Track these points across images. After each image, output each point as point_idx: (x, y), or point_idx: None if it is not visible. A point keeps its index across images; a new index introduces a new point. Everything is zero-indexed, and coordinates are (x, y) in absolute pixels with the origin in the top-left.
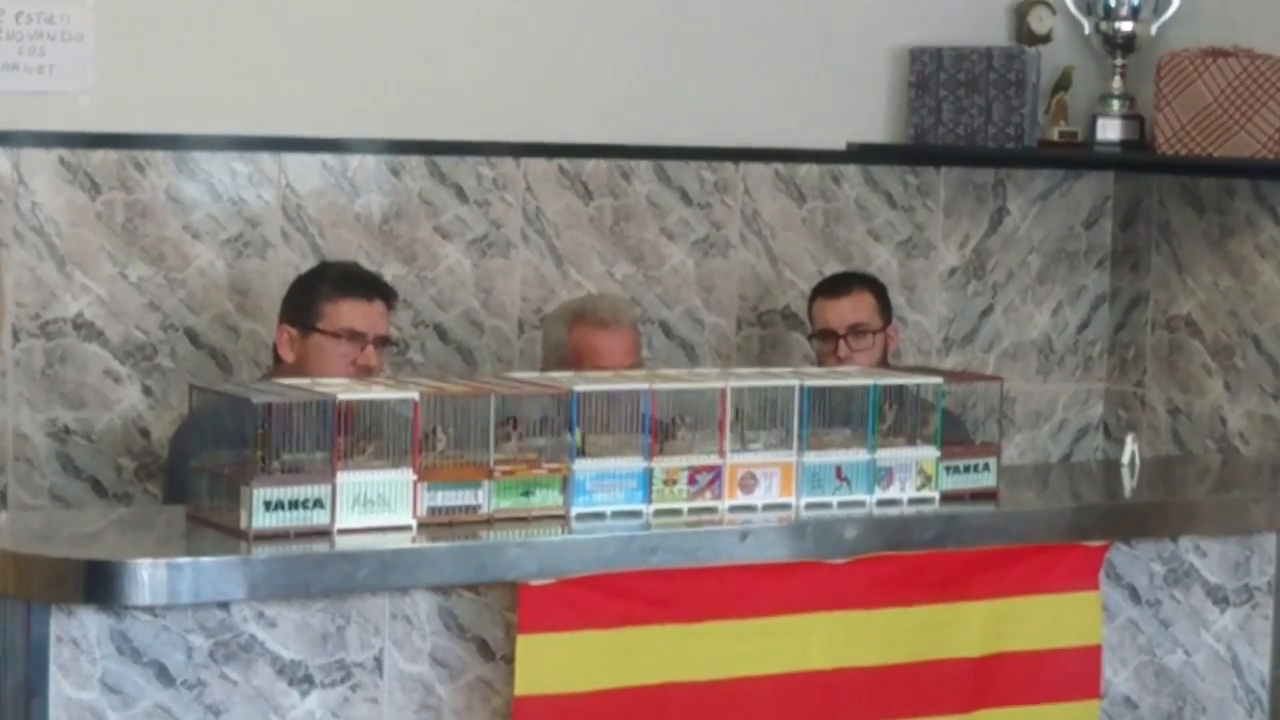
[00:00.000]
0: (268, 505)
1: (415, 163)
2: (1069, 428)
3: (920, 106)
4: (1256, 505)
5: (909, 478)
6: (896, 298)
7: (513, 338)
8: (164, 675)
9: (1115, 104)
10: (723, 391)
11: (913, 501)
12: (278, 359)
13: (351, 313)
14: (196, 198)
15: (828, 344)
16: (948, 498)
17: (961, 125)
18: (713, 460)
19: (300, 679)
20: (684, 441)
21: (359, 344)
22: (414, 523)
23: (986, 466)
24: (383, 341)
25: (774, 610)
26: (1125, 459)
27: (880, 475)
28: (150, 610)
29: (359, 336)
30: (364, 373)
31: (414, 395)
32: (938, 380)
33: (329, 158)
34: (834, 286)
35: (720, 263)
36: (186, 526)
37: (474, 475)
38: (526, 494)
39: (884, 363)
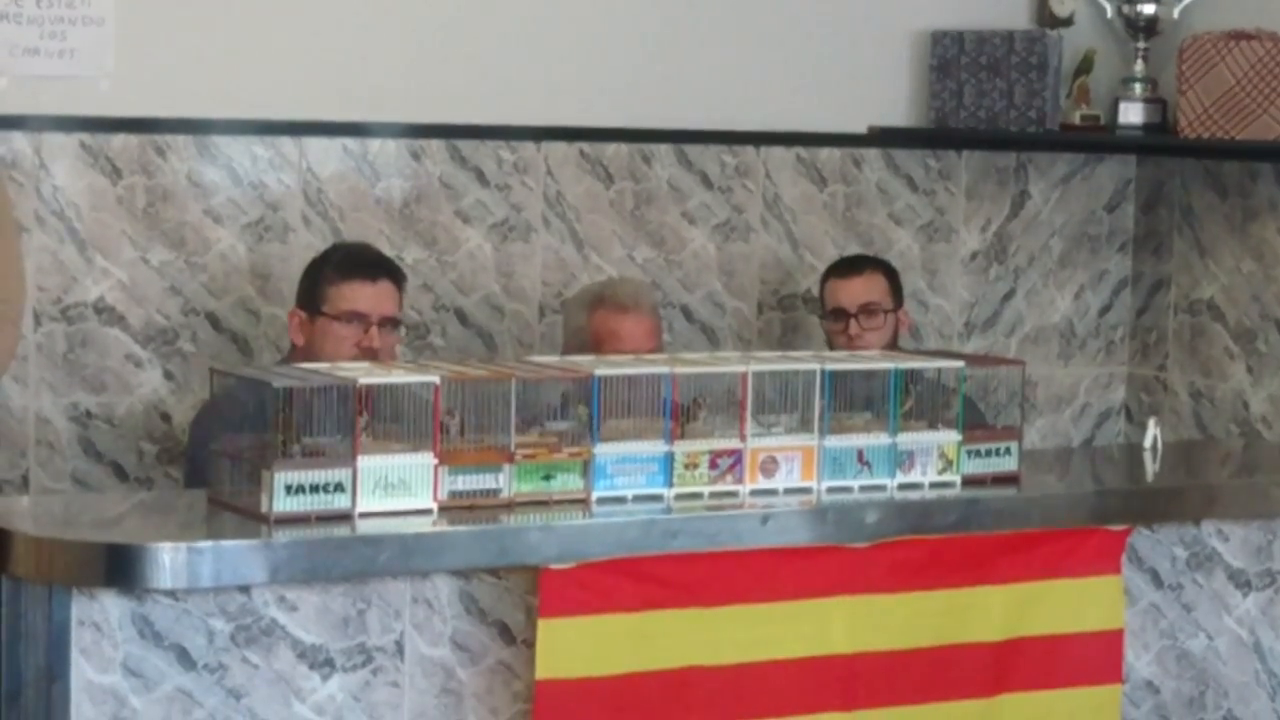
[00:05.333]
0: (288, 489)
1: (436, 146)
2: (1091, 412)
3: (941, 90)
4: (1279, 489)
5: (930, 462)
6: (917, 281)
7: (533, 321)
8: (185, 659)
9: (1137, 87)
10: (744, 375)
11: (934, 485)
12: (292, 343)
13: (354, 294)
14: (217, 182)
15: (838, 323)
16: (969, 482)
17: (983, 109)
18: (734, 444)
19: (321, 663)
20: (706, 424)
21: (362, 325)
22: (435, 506)
23: (1008, 450)
24: (391, 323)
25: (795, 594)
26: (1147, 443)
27: (901, 459)
28: (171, 594)
29: (362, 318)
30: (369, 355)
31: (434, 379)
32: (959, 364)
33: (350, 141)
34: (846, 267)
35: (741, 247)
36: (207, 510)
37: (495, 459)
38: (547, 478)
39: (894, 345)
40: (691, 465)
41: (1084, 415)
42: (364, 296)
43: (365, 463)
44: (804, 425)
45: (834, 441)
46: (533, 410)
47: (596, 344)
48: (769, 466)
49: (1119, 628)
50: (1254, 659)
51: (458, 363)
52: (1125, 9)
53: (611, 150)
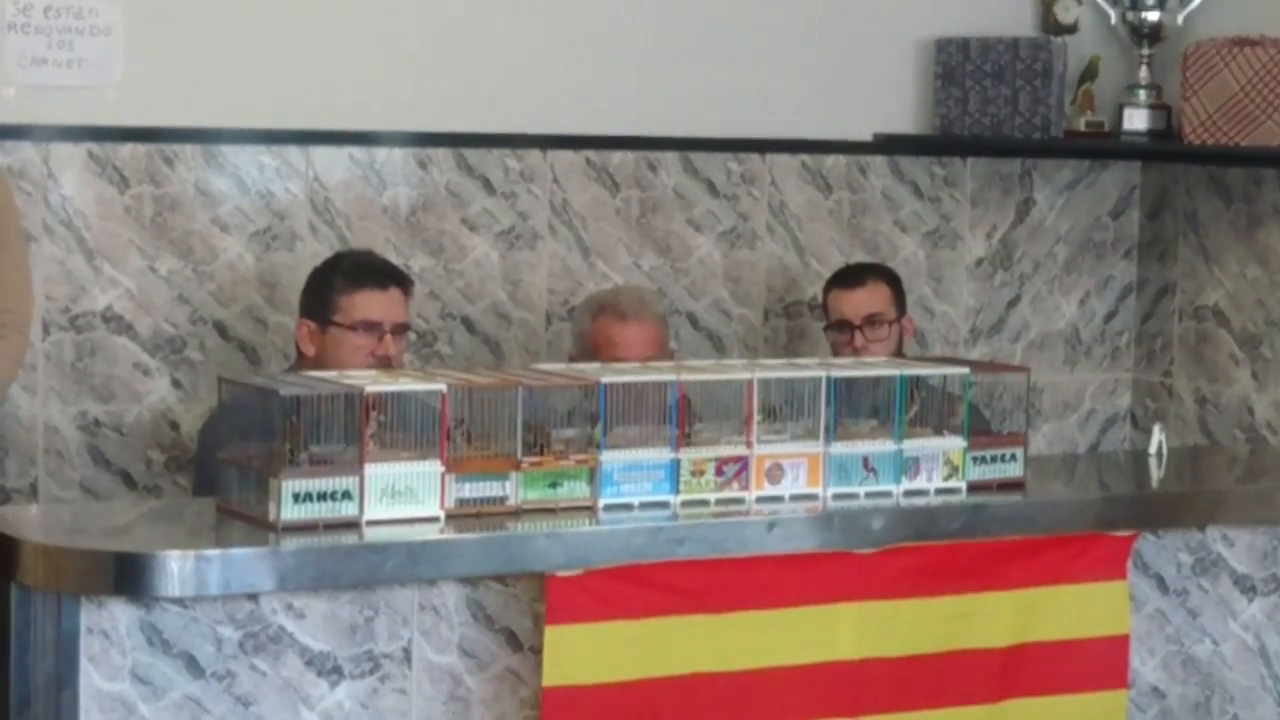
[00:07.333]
0: (296, 497)
1: (442, 155)
2: (1096, 418)
3: (946, 97)
4: None
5: (936, 468)
6: (923, 288)
7: (540, 329)
8: (194, 666)
9: (1142, 94)
10: (750, 382)
11: (940, 492)
12: (300, 353)
13: (366, 304)
14: (224, 191)
15: (843, 335)
16: (975, 488)
17: (988, 116)
18: (740, 451)
19: (329, 670)
20: (710, 431)
21: (376, 334)
22: (442, 514)
23: (1014, 456)
24: (401, 329)
25: (801, 601)
26: (1152, 449)
27: (907, 465)
28: (180, 602)
29: (376, 327)
30: (383, 363)
31: (441, 387)
32: (964, 370)
33: (356, 150)
34: (849, 277)
35: (747, 254)
36: (215, 518)
37: (501, 467)
38: (554, 485)
39: (899, 353)
40: (698, 472)
41: (1089, 421)
42: (377, 305)
43: (372, 470)
44: (810, 432)
45: (840, 448)
46: (540, 422)
47: (596, 351)
48: (775, 473)
49: (1125, 633)
50: (1259, 664)
51: (465, 370)
52: (1129, 16)
53: (617, 158)
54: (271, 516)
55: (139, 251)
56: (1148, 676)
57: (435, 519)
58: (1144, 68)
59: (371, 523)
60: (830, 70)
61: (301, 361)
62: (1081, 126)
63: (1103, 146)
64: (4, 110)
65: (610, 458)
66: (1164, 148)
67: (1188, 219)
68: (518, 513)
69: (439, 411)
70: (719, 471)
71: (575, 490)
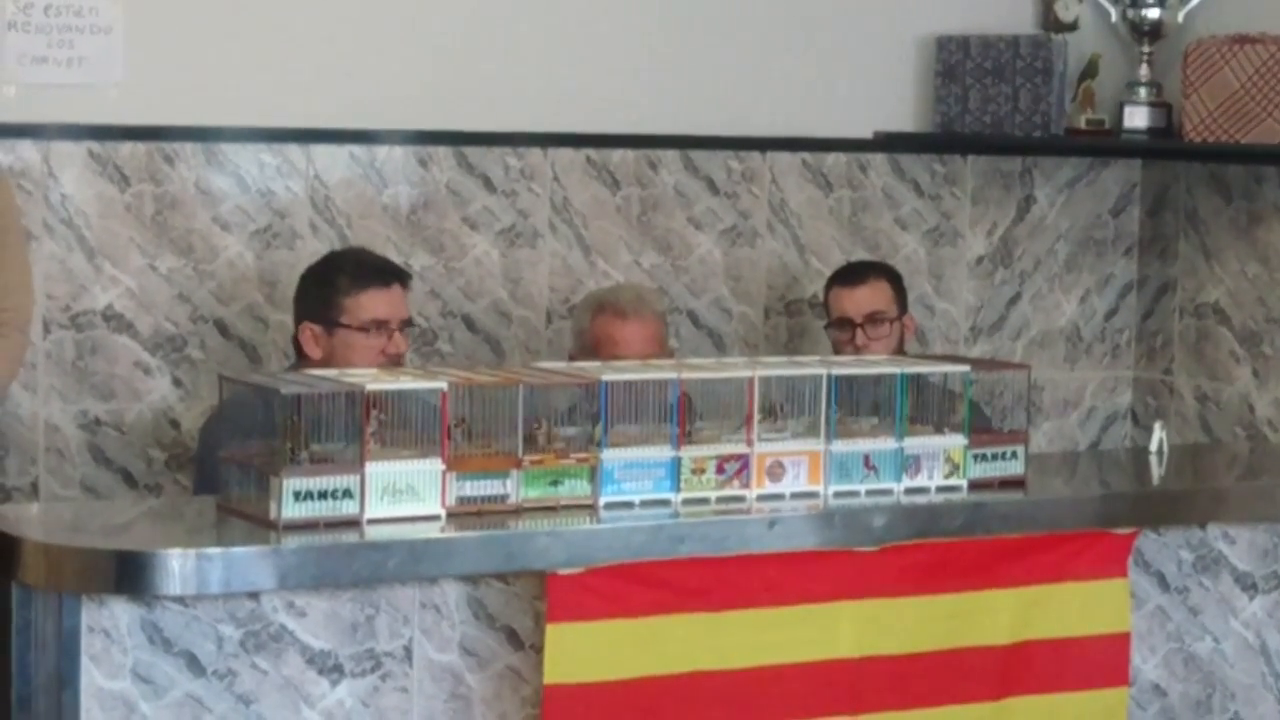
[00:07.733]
0: (297, 495)
1: (443, 153)
2: (1097, 415)
3: (947, 95)
4: None
5: (937, 466)
6: (924, 286)
7: (540, 328)
8: (195, 665)
9: (1142, 91)
10: (750, 380)
11: (940, 489)
12: (300, 355)
13: (373, 303)
14: (225, 189)
15: (844, 333)
16: (976, 486)
17: (988, 114)
18: (740, 449)
19: (330, 668)
20: (711, 429)
21: (385, 333)
22: (443, 512)
23: (1014, 454)
24: (406, 325)
25: (802, 599)
26: (1153, 446)
27: (908, 463)
28: (181, 600)
29: (384, 325)
30: (394, 360)
31: (442, 385)
32: (965, 368)
33: (357, 149)
34: (851, 275)
35: (747, 252)
36: (216, 517)
37: (502, 465)
38: (555, 483)
39: (900, 351)
40: (698, 470)
41: (1090, 419)
42: (383, 303)
43: (373, 469)
44: (810, 430)
45: (840, 446)
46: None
47: (596, 349)
48: (776, 471)
49: (1126, 631)
50: (1260, 661)
51: (465, 369)
52: (1130, 13)
53: (618, 156)
54: (272, 515)
55: (139, 250)
56: (1149, 674)
57: (436, 517)
58: (1144, 65)
59: (372, 521)
60: (831, 68)
61: (304, 364)
62: (1082, 124)
63: (1103, 144)
64: (4, 109)
65: (611, 456)
66: (1164, 145)
67: (1188, 216)
68: (519, 511)
69: (440, 410)
70: (720, 469)
71: (576, 488)
